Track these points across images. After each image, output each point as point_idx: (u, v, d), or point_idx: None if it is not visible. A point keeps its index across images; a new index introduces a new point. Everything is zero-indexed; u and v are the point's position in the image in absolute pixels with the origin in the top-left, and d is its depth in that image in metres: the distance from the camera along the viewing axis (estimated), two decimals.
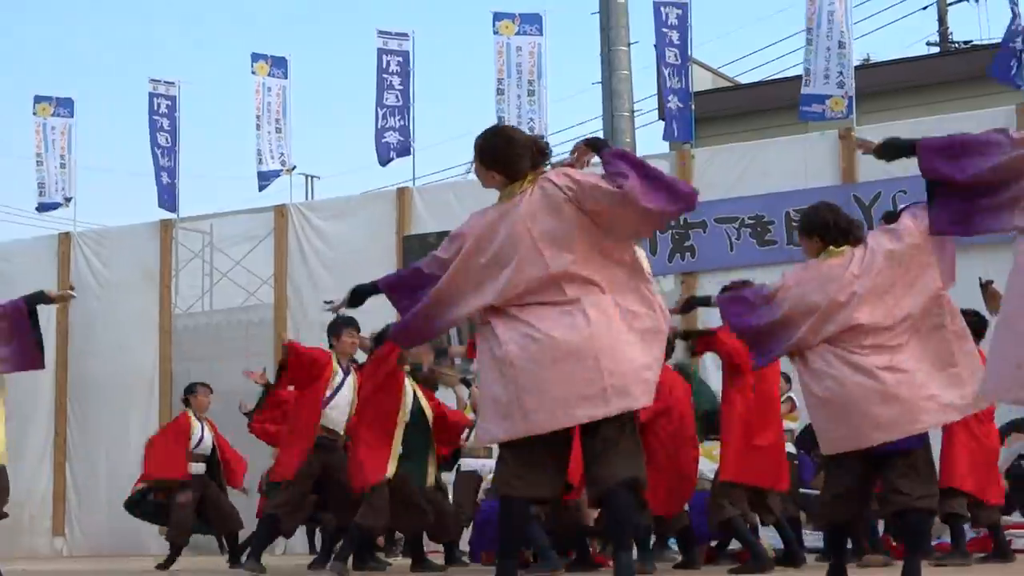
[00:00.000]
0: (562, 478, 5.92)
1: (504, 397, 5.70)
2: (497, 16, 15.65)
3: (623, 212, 5.66)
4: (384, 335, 10.17)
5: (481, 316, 5.83)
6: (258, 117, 16.67)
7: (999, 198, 5.46)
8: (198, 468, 11.87)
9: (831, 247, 6.62)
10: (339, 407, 10.29)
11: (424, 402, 10.02)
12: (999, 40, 14.09)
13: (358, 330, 10.56)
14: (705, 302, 7.23)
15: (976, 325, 9.81)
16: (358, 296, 6.41)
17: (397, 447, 9.65)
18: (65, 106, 17.83)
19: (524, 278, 5.69)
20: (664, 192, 5.68)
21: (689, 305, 7.66)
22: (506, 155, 5.84)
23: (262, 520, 10.62)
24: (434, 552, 11.10)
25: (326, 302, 6.64)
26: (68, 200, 17.73)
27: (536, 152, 5.88)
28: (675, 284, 13.36)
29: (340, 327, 10.41)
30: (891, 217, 6.73)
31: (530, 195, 5.76)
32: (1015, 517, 11.14)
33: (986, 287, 9.02)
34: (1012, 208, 5.42)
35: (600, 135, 18.78)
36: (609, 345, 5.62)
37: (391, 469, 9.56)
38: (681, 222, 13.45)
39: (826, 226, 6.67)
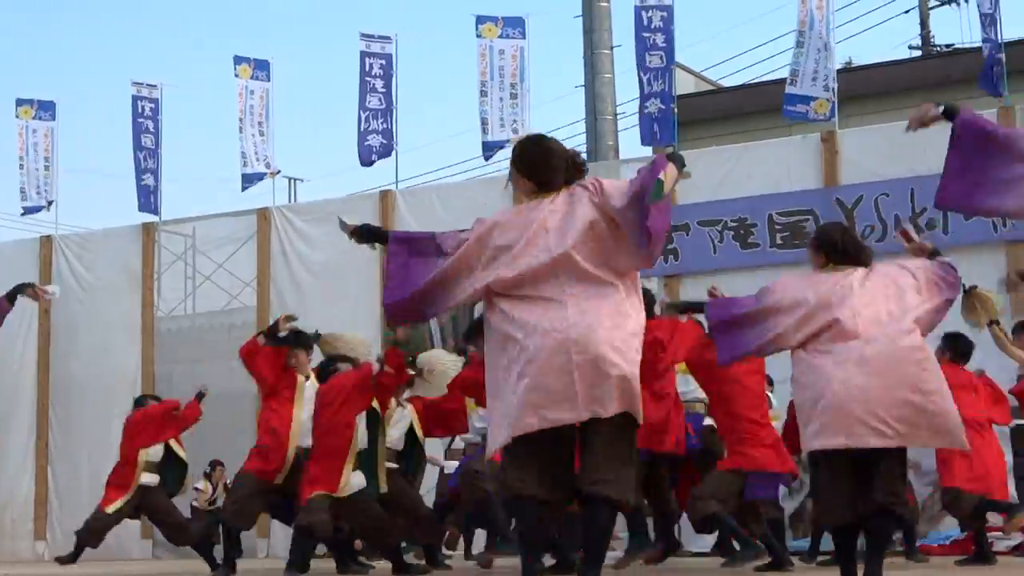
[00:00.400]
0: (565, 482, 5.83)
1: (499, 407, 5.78)
2: (480, 19, 15.67)
3: (624, 219, 5.68)
4: (328, 373, 10.19)
5: (484, 309, 5.89)
6: (241, 120, 16.66)
7: (1008, 172, 5.55)
8: (150, 479, 11.86)
9: (833, 265, 6.68)
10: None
11: (380, 414, 10.05)
12: (980, 44, 14.05)
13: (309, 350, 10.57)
14: (698, 309, 7.24)
15: (962, 348, 9.87)
16: (365, 233, 6.34)
17: (347, 476, 9.75)
18: (47, 109, 17.79)
19: (526, 261, 5.71)
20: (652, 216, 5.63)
21: (679, 310, 7.62)
22: (542, 165, 5.90)
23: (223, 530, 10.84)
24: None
25: (341, 220, 6.60)
26: (50, 203, 17.71)
27: (572, 167, 5.93)
28: (658, 287, 13.34)
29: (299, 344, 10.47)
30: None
31: (557, 197, 5.83)
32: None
33: (969, 292, 8.97)
34: (1019, 187, 5.51)
35: (583, 138, 18.85)
36: (589, 346, 5.59)
37: (339, 490, 9.71)
38: None
39: (833, 245, 6.74)
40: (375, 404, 9.93)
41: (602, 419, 5.65)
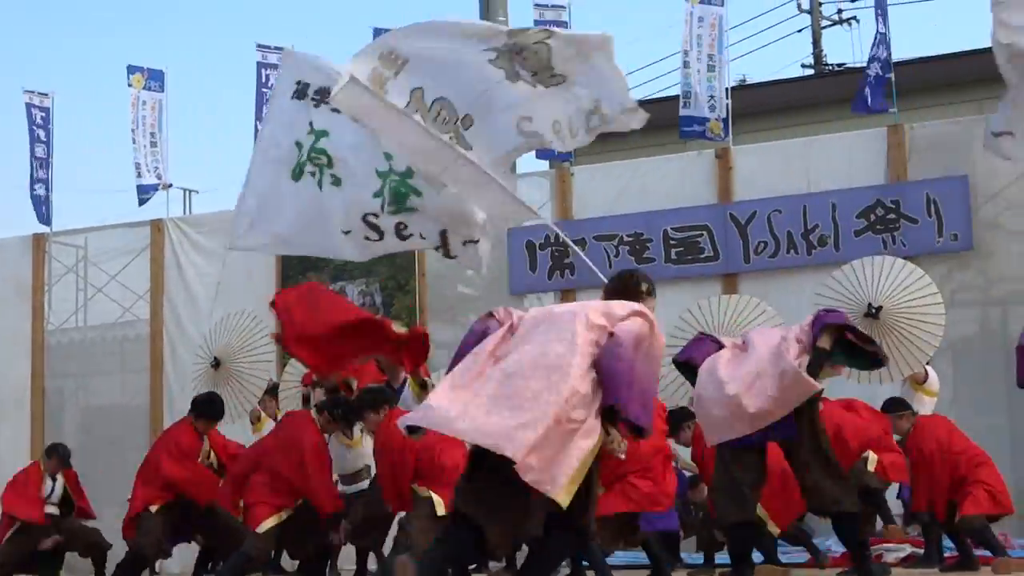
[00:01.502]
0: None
1: None
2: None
3: None
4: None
5: None
6: (133, 131, 16.46)
7: None
8: (52, 510, 11.90)
9: None
10: None
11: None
12: (866, 64, 14.20)
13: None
14: None
15: None
16: None
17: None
18: None
19: None
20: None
21: None
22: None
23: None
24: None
25: None
26: None
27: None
28: (555, 301, 13.38)
29: None
30: None
31: None
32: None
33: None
34: None
35: None
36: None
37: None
38: (559, 240, 13.50)
39: None
40: None
41: None
